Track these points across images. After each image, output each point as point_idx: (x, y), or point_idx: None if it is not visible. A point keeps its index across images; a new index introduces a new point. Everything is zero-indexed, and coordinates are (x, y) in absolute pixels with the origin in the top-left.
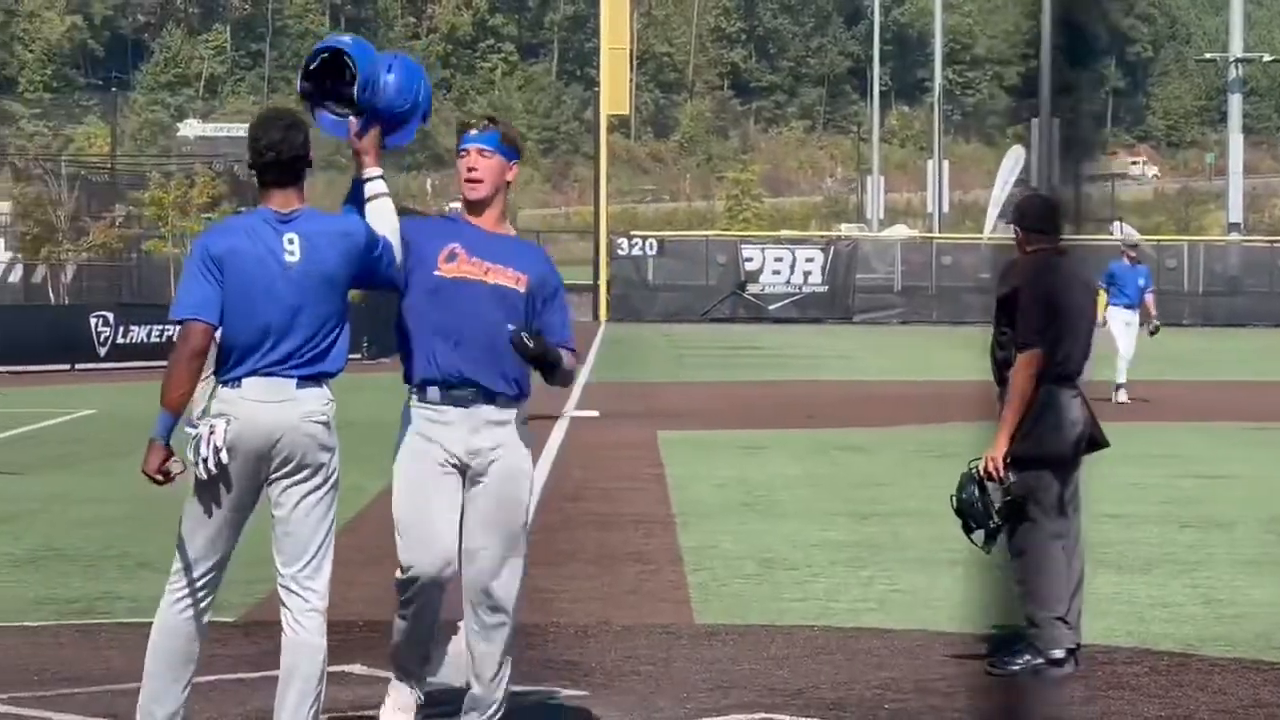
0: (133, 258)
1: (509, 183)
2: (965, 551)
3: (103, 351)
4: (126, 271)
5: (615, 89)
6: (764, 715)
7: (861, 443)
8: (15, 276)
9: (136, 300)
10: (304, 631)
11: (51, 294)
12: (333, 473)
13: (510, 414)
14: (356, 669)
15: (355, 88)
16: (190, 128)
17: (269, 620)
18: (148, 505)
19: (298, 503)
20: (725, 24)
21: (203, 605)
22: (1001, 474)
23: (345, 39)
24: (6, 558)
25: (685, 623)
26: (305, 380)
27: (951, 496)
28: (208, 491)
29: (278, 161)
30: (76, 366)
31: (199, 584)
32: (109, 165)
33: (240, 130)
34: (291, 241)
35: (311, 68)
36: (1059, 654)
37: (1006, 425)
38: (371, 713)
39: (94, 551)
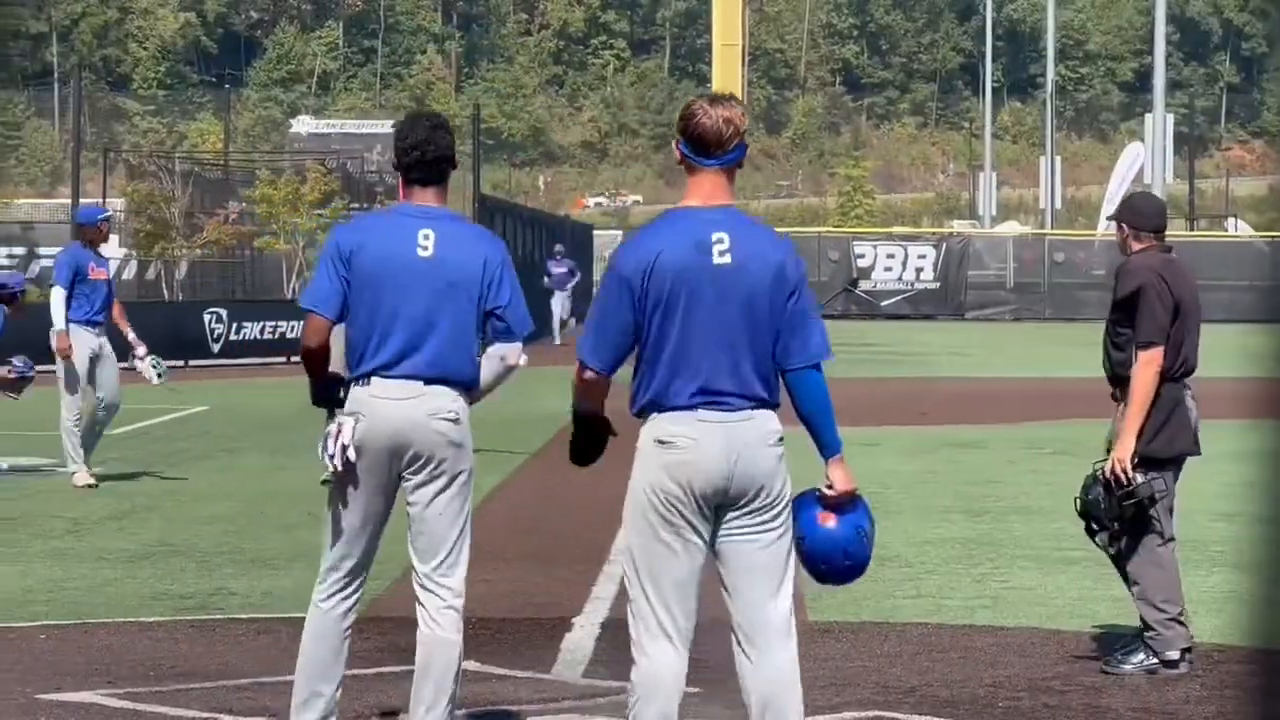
0: (246, 254)
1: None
2: (1080, 550)
3: (216, 348)
4: (240, 268)
5: (727, 85)
6: (877, 713)
7: (974, 439)
8: (129, 273)
9: (249, 297)
10: (439, 629)
11: (165, 290)
12: (465, 470)
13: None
14: (470, 665)
15: None
16: (303, 124)
17: (385, 616)
18: (261, 502)
19: (431, 500)
20: (837, 20)
21: (350, 604)
22: (1130, 476)
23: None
24: (122, 553)
25: (799, 620)
26: (434, 380)
27: (1075, 498)
28: (342, 491)
29: (422, 161)
30: (190, 363)
31: (346, 583)
32: (222, 162)
33: (352, 127)
34: (427, 237)
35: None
36: (1174, 655)
37: (1131, 426)
38: (482, 709)
39: (208, 547)
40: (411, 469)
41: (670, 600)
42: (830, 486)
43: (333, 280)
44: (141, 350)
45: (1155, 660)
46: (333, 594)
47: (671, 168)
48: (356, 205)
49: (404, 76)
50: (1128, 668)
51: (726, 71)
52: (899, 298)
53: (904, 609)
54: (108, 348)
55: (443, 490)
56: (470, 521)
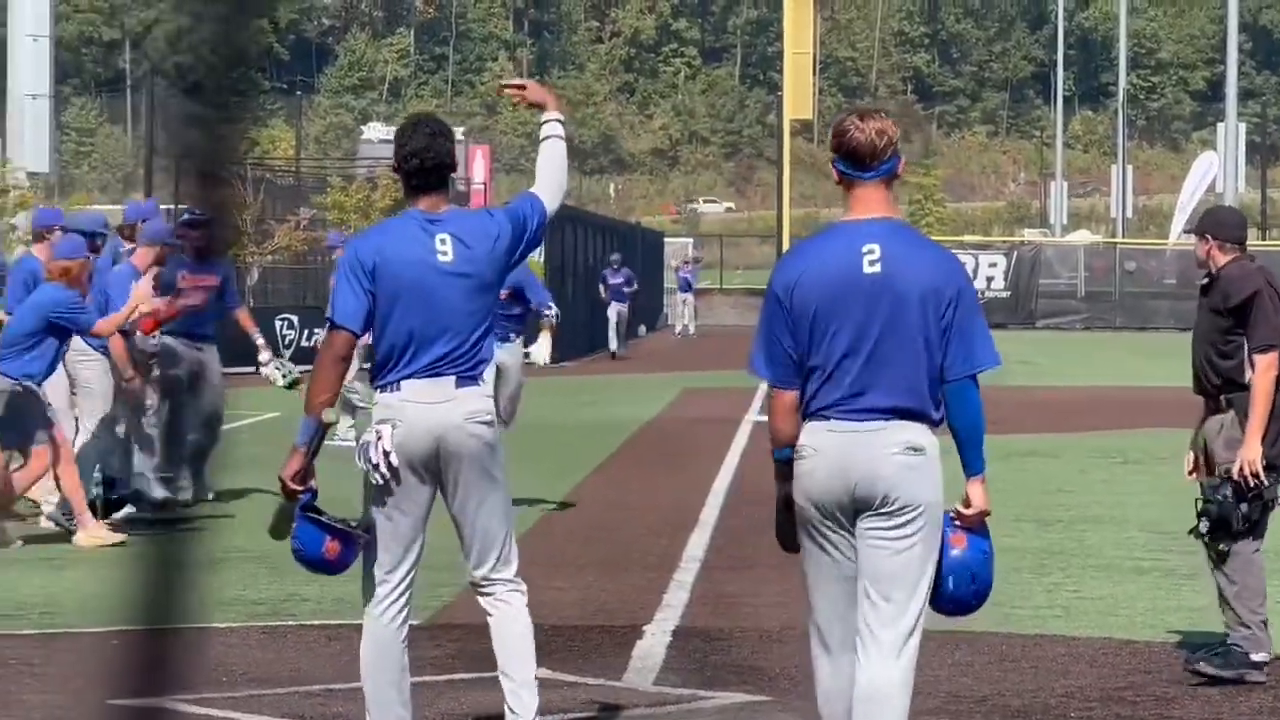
0: (317, 260)
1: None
2: (1151, 559)
3: (287, 354)
4: (311, 274)
5: (798, 93)
6: None
7: (1045, 448)
8: None
9: (320, 303)
10: (508, 606)
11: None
12: (500, 468)
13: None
14: (541, 672)
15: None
16: (374, 131)
17: (457, 624)
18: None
19: (475, 505)
20: (908, 28)
21: (408, 612)
22: (1262, 477)
23: None
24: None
25: None
26: (463, 380)
27: (1197, 500)
28: (384, 499)
29: (422, 169)
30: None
31: (397, 591)
32: (294, 168)
33: None
34: (444, 242)
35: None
36: (1263, 657)
37: (1256, 428)
38: (554, 716)
39: (280, 553)
40: (450, 472)
41: (828, 607)
42: (966, 505)
43: (358, 295)
44: (265, 355)
45: (1240, 667)
46: (390, 604)
47: (743, 176)
48: None
49: (475, 83)
50: (1212, 670)
51: (798, 80)
52: None
53: (975, 618)
54: (213, 364)
55: (483, 492)
56: (513, 518)
